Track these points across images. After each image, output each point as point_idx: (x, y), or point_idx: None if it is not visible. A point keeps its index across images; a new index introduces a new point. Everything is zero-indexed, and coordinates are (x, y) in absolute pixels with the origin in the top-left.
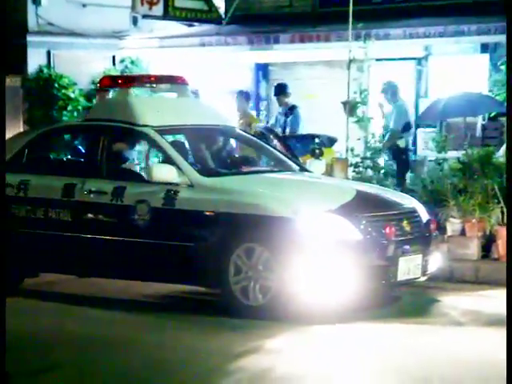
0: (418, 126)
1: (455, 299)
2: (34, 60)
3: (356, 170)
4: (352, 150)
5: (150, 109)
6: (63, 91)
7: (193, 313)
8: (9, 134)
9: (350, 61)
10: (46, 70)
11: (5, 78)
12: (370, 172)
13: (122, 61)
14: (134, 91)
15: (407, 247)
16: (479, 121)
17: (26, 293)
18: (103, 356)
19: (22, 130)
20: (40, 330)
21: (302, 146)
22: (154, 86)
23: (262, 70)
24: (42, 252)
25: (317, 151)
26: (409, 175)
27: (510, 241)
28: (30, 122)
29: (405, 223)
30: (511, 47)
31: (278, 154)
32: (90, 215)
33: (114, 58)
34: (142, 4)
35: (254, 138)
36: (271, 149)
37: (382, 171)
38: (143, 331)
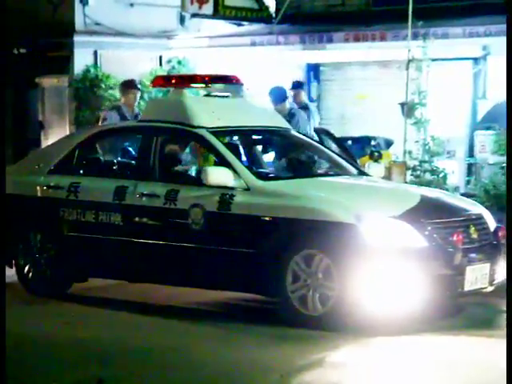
0: (475, 129)
1: None
2: (81, 60)
3: (414, 173)
4: (410, 152)
5: (205, 109)
6: (110, 91)
7: (248, 322)
8: (56, 134)
9: (409, 61)
10: (92, 70)
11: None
12: (428, 176)
13: (169, 61)
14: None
15: (475, 255)
16: None
17: (74, 298)
18: (159, 368)
19: (68, 130)
20: (92, 338)
21: (357, 149)
22: (210, 86)
23: (314, 70)
24: (91, 256)
25: (375, 154)
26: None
27: (510, 240)
28: (76, 123)
29: (472, 230)
30: (511, 47)
31: (336, 156)
32: (141, 219)
33: (160, 58)
34: (192, 3)
35: (311, 141)
36: (329, 151)
37: (441, 175)
38: (198, 342)
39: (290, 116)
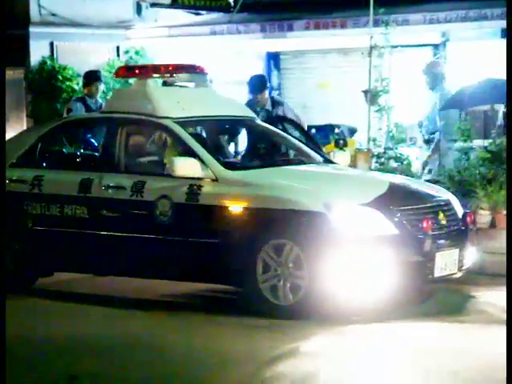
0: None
1: (490, 294)
2: (37, 52)
3: (379, 161)
4: (374, 140)
5: (170, 100)
6: (67, 83)
7: (219, 313)
8: (12, 128)
9: (372, 47)
10: (49, 62)
11: (5, 71)
12: (393, 163)
13: (127, 52)
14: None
15: (444, 241)
16: (501, 108)
17: (40, 293)
18: (129, 362)
19: (25, 123)
20: (59, 333)
21: (321, 137)
22: (174, 75)
23: (274, 58)
24: (57, 250)
25: (341, 141)
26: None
27: (509, 238)
28: (33, 115)
29: (441, 216)
30: (511, 45)
31: (303, 145)
32: (107, 211)
33: (118, 48)
34: None
35: (277, 130)
36: (295, 140)
37: (406, 162)
38: (168, 334)
39: (276, 104)
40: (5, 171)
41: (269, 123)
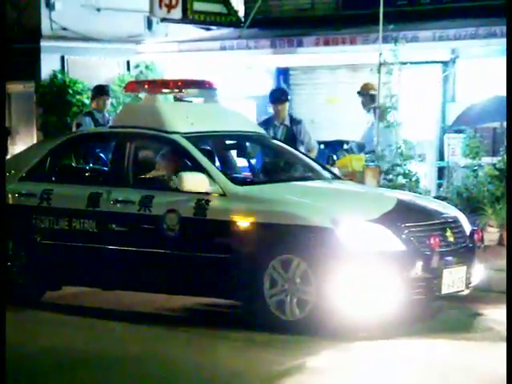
0: (444, 132)
1: (497, 312)
2: (48, 65)
3: (387, 177)
4: (382, 156)
5: (179, 115)
6: (77, 97)
7: (223, 328)
8: (23, 141)
9: (381, 64)
10: (59, 76)
11: (5, 82)
12: (401, 179)
13: (137, 66)
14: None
15: (451, 258)
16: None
17: (47, 306)
18: (132, 375)
19: (35, 136)
20: (63, 346)
21: (330, 152)
22: (183, 91)
23: (283, 74)
24: (65, 264)
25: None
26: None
27: (510, 241)
28: (43, 129)
29: (448, 233)
30: (511, 48)
31: (311, 161)
32: (115, 226)
33: (128, 63)
34: (161, 7)
35: (285, 146)
36: (303, 156)
37: (414, 178)
38: (173, 349)
39: (295, 122)
40: (5, 184)
41: (288, 139)
